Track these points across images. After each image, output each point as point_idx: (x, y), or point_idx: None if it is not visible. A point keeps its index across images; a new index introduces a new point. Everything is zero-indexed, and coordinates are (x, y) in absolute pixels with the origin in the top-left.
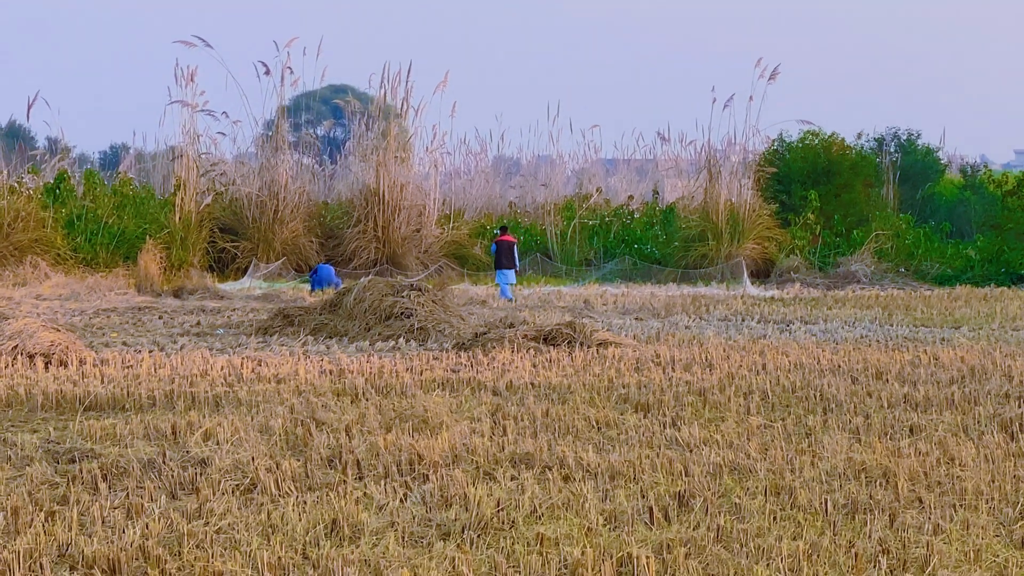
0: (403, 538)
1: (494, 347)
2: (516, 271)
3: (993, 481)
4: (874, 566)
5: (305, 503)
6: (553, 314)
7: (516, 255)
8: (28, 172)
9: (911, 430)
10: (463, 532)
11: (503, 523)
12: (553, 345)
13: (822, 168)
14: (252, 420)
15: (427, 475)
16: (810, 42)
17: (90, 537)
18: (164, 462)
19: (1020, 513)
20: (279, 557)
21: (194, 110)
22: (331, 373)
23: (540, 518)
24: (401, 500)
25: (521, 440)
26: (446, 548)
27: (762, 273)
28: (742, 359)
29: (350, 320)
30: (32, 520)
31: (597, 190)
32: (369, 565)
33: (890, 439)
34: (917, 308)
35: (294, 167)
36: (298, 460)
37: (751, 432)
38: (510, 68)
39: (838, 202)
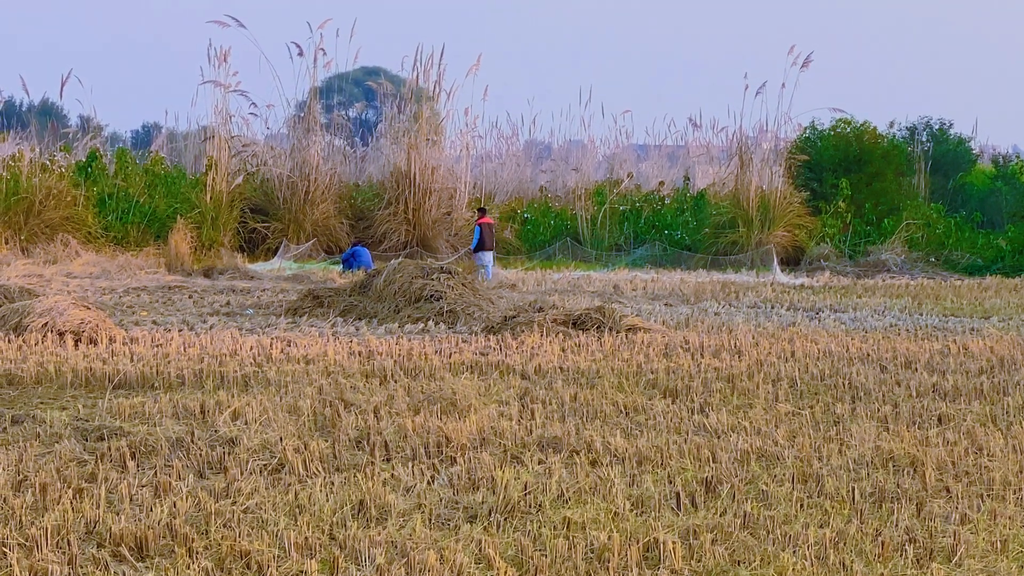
0: (430, 520)
1: (523, 331)
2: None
3: (1021, 472)
4: (900, 555)
5: (333, 484)
6: (582, 299)
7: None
8: (60, 150)
9: (939, 419)
10: (490, 515)
11: (530, 507)
12: (582, 330)
13: (854, 156)
14: (281, 400)
15: (454, 458)
16: (843, 30)
17: (118, 515)
18: (192, 441)
19: None
20: (306, 537)
21: (227, 90)
22: (360, 354)
23: (567, 502)
24: (428, 482)
25: (549, 424)
26: (473, 531)
27: (792, 261)
28: (771, 346)
29: (380, 302)
30: (60, 497)
31: (628, 175)
32: (396, 547)
33: (918, 428)
34: (947, 298)
35: (326, 149)
36: (326, 441)
37: (779, 419)
38: (543, 52)
39: (869, 191)
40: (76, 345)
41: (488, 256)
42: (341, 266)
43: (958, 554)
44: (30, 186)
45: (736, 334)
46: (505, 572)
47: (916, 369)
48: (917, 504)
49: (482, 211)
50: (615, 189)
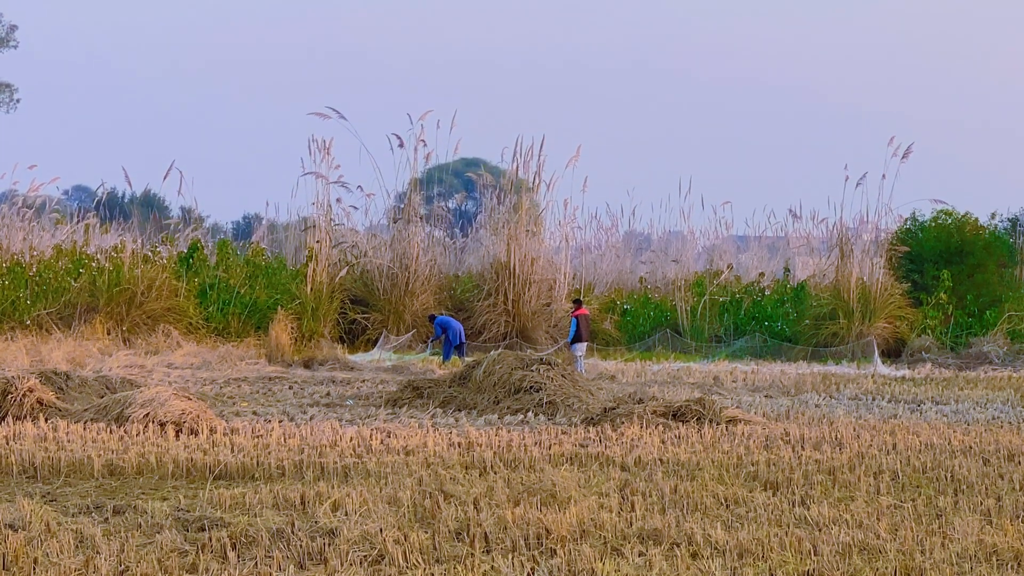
0: None
1: (623, 422)
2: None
3: None
4: None
5: (433, 575)
6: (682, 390)
7: None
8: (162, 241)
9: None
10: None
11: None
12: (682, 421)
13: (955, 248)
14: (380, 491)
15: (555, 549)
16: (943, 121)
17: None
18: (293, 532)
19: None
20: None
21: (328, 182)
22: (460, 446)
23: None
24: (529, 574)
25: (649, 516)
26: None
27: (893, 352)
28: (872, 438)
29: (479, 393)
30: None
31: (728, 267)
32: None
33: (1022, 522)
34: None
35: (425, 239)
36: (426, 532)
37: (881, 512)
38: (642, 143)
39: (971, 282)
40: (177, 436)
41: (582, 347)
42: (442, 354)
43: None
44: (132, 277)
45: (837, 426)
46: None
47: (1019, 462)
48: None
49: (577, 303)
50: (715, 280)
